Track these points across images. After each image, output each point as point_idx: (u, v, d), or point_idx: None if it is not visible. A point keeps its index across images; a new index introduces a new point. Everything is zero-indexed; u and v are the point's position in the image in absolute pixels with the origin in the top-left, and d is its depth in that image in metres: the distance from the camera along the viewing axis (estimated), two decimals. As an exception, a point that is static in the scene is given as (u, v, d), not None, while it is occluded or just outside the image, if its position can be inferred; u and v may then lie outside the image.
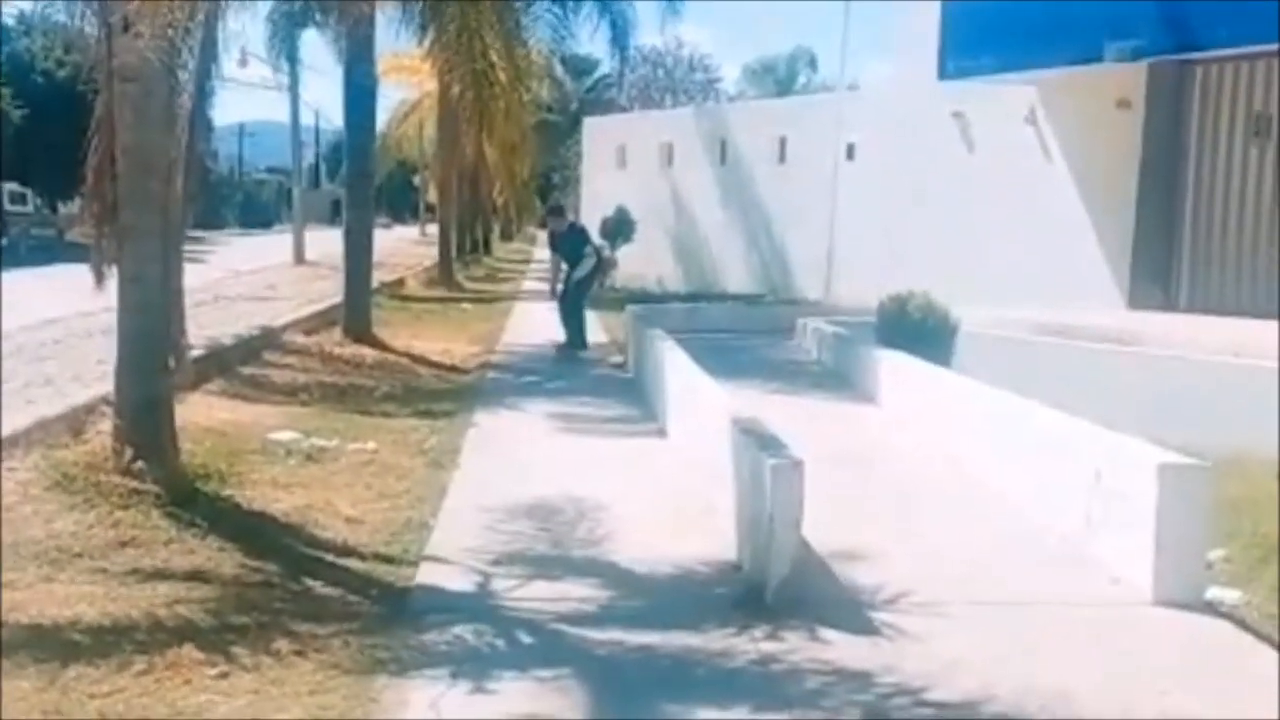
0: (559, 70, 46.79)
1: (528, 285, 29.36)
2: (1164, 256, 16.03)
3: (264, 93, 37.81)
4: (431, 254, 34.94)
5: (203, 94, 10.16)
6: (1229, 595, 6.05)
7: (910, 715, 4.63)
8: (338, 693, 4.76)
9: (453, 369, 14.68)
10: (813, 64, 65.59)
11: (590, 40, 29.63)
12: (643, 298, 21.90)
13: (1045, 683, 4.89)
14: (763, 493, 5.88)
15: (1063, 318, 13.05)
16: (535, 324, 17.98)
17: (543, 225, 16.70)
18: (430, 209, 53.16)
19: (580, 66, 51.88)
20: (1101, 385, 10.54)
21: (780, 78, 65.45)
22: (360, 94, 17.84)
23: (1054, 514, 7.14)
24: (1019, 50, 16.04)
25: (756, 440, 6.43)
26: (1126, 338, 12.18)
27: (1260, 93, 15.09)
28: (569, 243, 15.66)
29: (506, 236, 67.88)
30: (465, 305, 24.69)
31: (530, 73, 28.78)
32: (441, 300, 25.73)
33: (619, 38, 26.93)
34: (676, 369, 9.83)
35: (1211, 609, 5.90)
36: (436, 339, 17.40)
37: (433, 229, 43.93)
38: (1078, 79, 16.05)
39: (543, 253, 25.71)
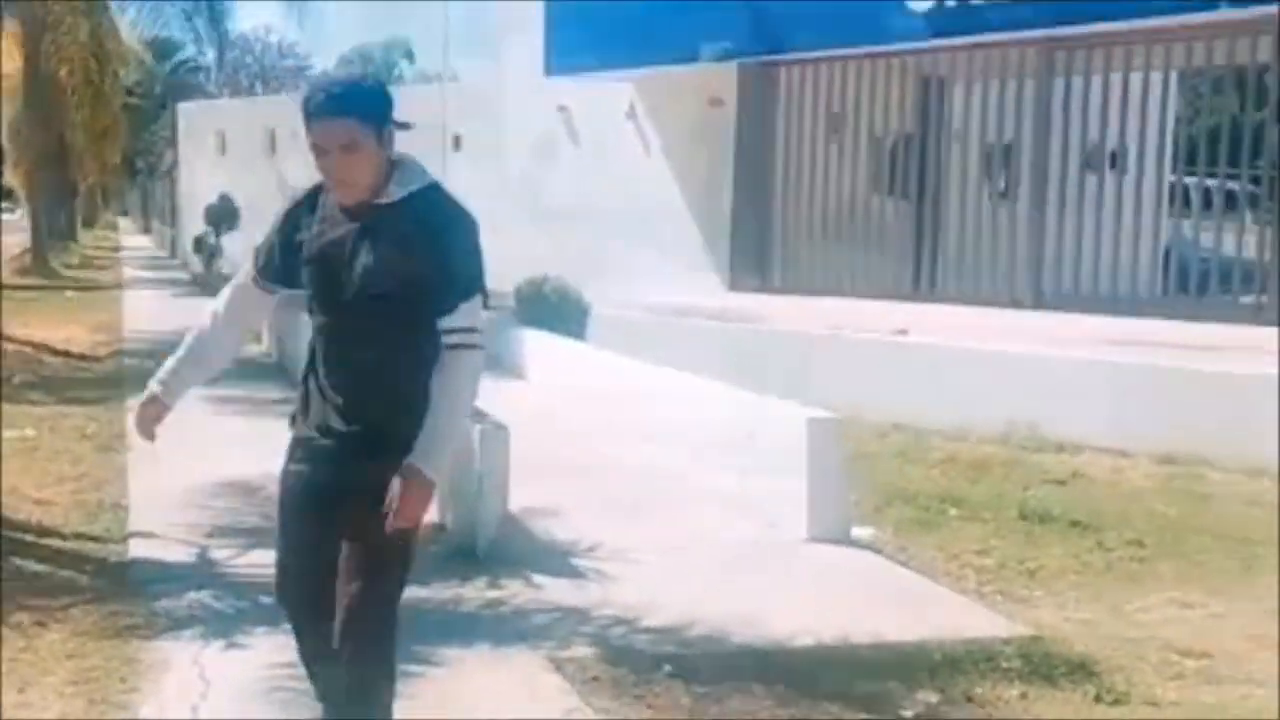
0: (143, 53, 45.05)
1: (130, 273, 28.47)
2: (759, 243, 17.28)
3: None
4: (10, 241, 33.03)
5: None
6: (865, 532, 7.11)
7: (632, 641, 5.31)
8: (96, 656, 4.96)
9: (83, 357, 14.36)
10: (409, 55, 65.49)
11: (183, 24, 29.10)
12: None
13: (738, 608, 5.70)
14: (470, 456, 6.43)
15: (677, 300, 14.15)
16: (156, 312, 17.62)
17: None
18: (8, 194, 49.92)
19: (164, 49, 49.96)
20: (712, 357, 11.53)
21: (376, 68, 65.02)
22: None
23: (711, 471, 8.04)
24: (621, 49, 17.00)
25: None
26: (731, 315, 13.33)
27: (836, 93, 16.64)
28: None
29: (88, 224, 64.59)
30: (69, 294, 23.76)
31: (123, 57, 28.00)
32: (41, 289, 24.53)
33: (217, 20, 26.63)
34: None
35: (856, 543, 6.94)
36: (53, 327, 16.77)
37: (8, 217, 41.64)
38: (674, 78, 17.16)
39: (135, 240, 24.87)
